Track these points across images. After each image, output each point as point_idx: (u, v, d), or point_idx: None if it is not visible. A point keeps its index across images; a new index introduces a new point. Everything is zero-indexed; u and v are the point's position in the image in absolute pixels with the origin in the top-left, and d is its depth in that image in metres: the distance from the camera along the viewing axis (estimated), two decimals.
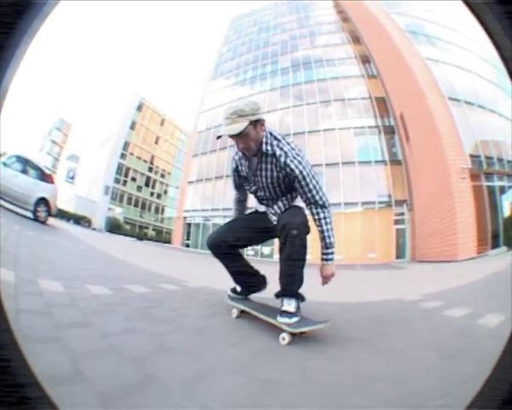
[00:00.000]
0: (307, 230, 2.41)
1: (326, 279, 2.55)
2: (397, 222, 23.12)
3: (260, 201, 2.75)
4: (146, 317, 2.44)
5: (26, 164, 11.38)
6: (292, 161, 2.33)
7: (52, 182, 12.32)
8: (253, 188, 2.66)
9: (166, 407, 1.21)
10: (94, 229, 38.05)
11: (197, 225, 33.92)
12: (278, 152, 2.37)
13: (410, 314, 3.39)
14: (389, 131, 25.74)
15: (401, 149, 24.34)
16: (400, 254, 22.02)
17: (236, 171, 2.78)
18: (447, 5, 22.26)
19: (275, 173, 2.44)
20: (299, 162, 2.34)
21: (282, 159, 2.35)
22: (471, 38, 19.90)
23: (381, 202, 23.93)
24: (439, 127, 17.48)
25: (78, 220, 38.90)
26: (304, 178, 2.33)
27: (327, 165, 24.77)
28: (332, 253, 2.51)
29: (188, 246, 33.36)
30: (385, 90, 26.48)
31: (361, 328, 2.68)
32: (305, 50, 35.43)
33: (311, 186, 2.35)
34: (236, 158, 2.72)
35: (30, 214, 10.75)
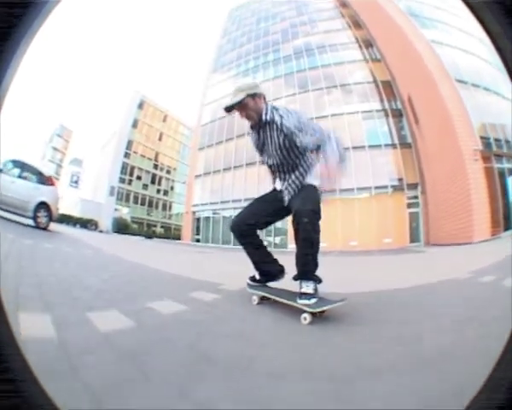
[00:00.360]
0: (318, 216, 2.47)
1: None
2: (409, 206, 22.94)
3: (274, 173, 2.86)
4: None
5: (22, 168, 10.56)
6: (287, 120, 2.50)
7: (52, 184, 11.35)
8: (265, 159, 2.81)
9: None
10: (101, 231, 37.40)
11: (207, 219, 33.33)
12: (276, 118, 2.54)
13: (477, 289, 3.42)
14: (397, 115, 25.55)
15: (410, 132, 24.11)
16: (414, 237, 21.78)
17: (255, 146, 2.88)
18: None
19: (277, 139, 2.59)
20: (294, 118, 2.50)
21: (279, 121, 2.52)
22: (468, 19, 19.30)
23: (393, 186, 23.65)
24: (450, 109, 17.31)
25: (85, 224, 38.55)
26: (288, 129, 2.51)
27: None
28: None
29: (198, 241, 32.73)
30: (390, 74, 26.34)
31: (450, 307, 2.67)
32: (306, 37, 34.91)
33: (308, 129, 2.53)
34: (250, 134, 2.82)
35: (31, 221, 10.06)
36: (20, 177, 10.22)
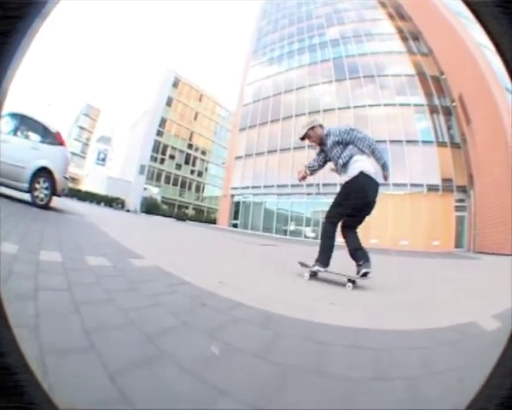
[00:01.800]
0: (328, 216, 3.93)
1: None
2: (456, 209, 22.30)
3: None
4: None
5: (21, 122, 7.50)
6: (332, 139, 3.80)
7: (60, 143, 7.95)
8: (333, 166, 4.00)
9: None
10: (128, 211, 35.69)
11: (247, 203, 31.62)
12: (328, 139, 3.83)
13: None
14: (446, 113, 24.78)
15: (459, 132, 23.40)
16: (459, 243, 21.23)
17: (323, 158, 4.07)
18: None
19: (334, 152, 3.81)
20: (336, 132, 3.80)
21: (329, 140, 3.81)
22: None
23: (443, 187, 22.84)
24: (503, 115, 17.00)
25: (110, 202, 37.41)
26: (336, 142, 3.79)
27: (391, 142, 23.66)
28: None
29: (235, 226, 31.33)
30: (438, 70, 25.71)
31: None
32: (352, 23, 33.75)
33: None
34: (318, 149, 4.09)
35: (28, 196, 7.27)
36: (15, 133, 7.29)
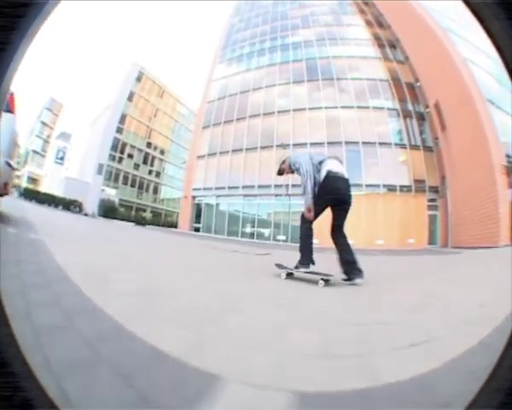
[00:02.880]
0: (302, 218, 4.28)
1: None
2: (429, 208, 23.36)
3: None
4: None
5: None
6: (293, 164, 4.37)
7: (9, 110, 4.75)
8: None
9: None
10: (86, 214, 33.77)
11: (209, 205, 29.84)
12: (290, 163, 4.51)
13: None
14: (419, 118, 25.61)
15: (432, 136, 24.44)
16: (432, 240, 22.34)
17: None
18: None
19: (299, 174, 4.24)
20: (293, 159, 4.42)
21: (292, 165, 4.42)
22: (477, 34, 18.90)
23: (416, 187, 23.54)
24: (484, 125, 18.08)
25: (68, 205, 35.28)
26: (294, 164, 4.35)
27: (364, 143, 24.54)
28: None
29: (197, 230, 29.39)
30: (414, 77, 26.73)
31: None
32: (328, 27, 33.39)
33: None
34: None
35: None
36: None
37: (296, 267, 4.00)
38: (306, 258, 3.98)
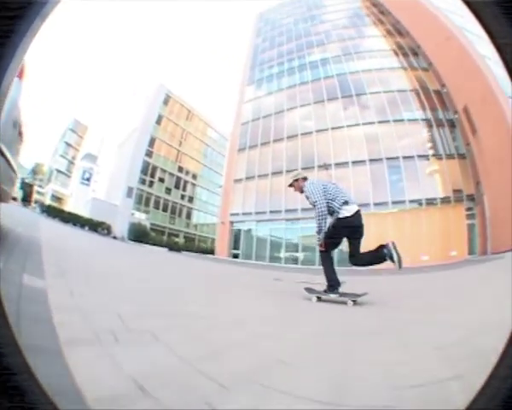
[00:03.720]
0: (321, 247, 4.51)
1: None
2: (467, 217, 22.26)
3: None
4: None
5: None
6: (306, 191, 4.49)
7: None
8: None
9: None
10: (115, 237, 32.55)
11: (249, 231, 28.83)
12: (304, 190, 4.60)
13: None
14: (450, 125, 24.71)
15: (464, 142, 23.39)
16: (471, 249, 20.93)
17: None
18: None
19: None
20: (307, 189, 4.47)
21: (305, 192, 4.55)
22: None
23: (454, 198, 22.75)
24: (509, 121, 17.62)
25: (95, 227, 33.86)
26: (307, 196, 4.44)
27: (404, 158, 23.99)
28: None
29: (235, 257, 28.11)
30: (440, 83, 25.83)
31: None
32: (352, 40, 33.17)
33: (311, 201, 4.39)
34: None
35: None
36: None
37: (325, 292, 4.31)
38: (333, 282, 4.28)
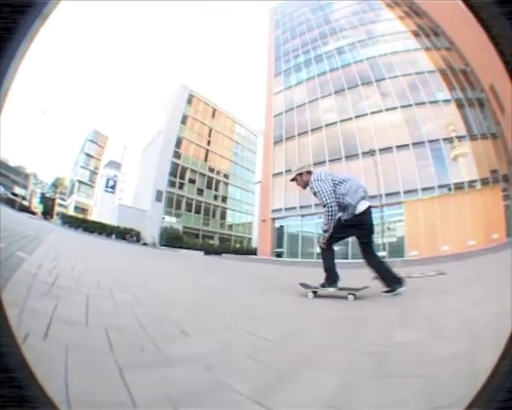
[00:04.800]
0: (323, 242, 4.22)
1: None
2: (504, 198, 21.39)
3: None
4: None
5: None
6: (313, 187, 4.14)
7: None
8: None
9: None
10: (145, 244, 31.66)
11: (293, 227, 27.39)
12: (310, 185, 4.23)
13: None
14: (480, 104, 23.45)
15: (494, 121, 22.08)
16: (509, 232, 19.89)
17: None
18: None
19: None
20: (314, 186, 4.12)
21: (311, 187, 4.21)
22: None
23: (492, 179, 21.74)
24: None
25: (123, 234, 32.89)
26: (315, 193, 4.10)
27: (444, 140, 23.05)
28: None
29: (279, 256, 26.69)
30: (463, 62, 24.40)
31: None
32: (374, 24, 32.10)
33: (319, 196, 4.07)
34: None
35: None
36: None
37: (323, 286, 4.09)
38: (333, 275, 4.09)
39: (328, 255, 4.15)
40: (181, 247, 31.47)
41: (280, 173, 28.79)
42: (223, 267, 10.88)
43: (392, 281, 3.83)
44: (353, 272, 6.14)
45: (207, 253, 29.10)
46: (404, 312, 2.90)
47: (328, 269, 4.09)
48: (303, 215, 25.90)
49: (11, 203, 29.02)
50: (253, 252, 32.90)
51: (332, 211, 3.86)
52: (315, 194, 4.06)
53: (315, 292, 4.01)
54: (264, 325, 2.43)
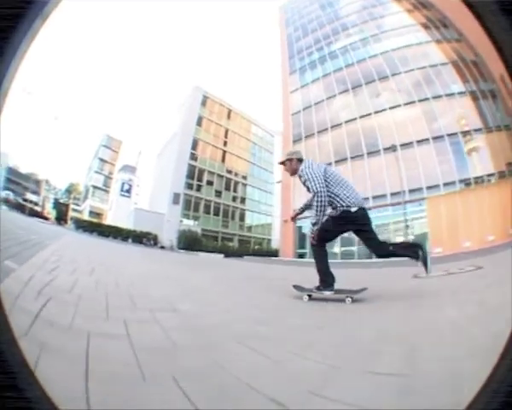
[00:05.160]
0: (314, 241, 3.91)
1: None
2: None
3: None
4: None
5: None
6: (301, 175, 3.97)
7: None
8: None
9: None
10: (162, 247, 31.17)
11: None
12: (301, 179, 4.02)
13: None
14: (493, 96, 22.95)
15: (506, 112, 21.63)
16: None
17: None
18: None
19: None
20: (305, 173, 3.89)
21: (301, 180, 4.00)
22: None
23: (508, 171, 21.11)
24: None
25: (139, 238, 32.39)
26: (305, 180, 3.88)
27: (461, 133, 22.67)
28: None
29: (301, 256, 25.89)
30: (473, 53, 23.82)
31: None
32: (383, 18, 31.92)
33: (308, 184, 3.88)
34: None
35: None
36: None
37: (319, 289, 3.80)
38: (328, 277, 3.80)
39: (320, 255, 3.89)
40: (200, 250, 30.89)
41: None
42: (260, 272, 10.03)
43: (415, 250, 3.67)
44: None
45: (227, 255, 28.54)
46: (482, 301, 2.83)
47: (321, 270, 3.84)
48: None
49: (21, 209, 29.29)
50: (274, 253, 32.46)
51: (322, 200, 3.66)
52: (305, 182, 3.89)
53: (310, 295, 3.77)
54: None
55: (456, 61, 24.92)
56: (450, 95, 24.05)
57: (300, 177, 3.94)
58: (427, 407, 1.06)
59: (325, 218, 3.82)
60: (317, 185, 3.68)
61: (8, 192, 34.50)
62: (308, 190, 3.88)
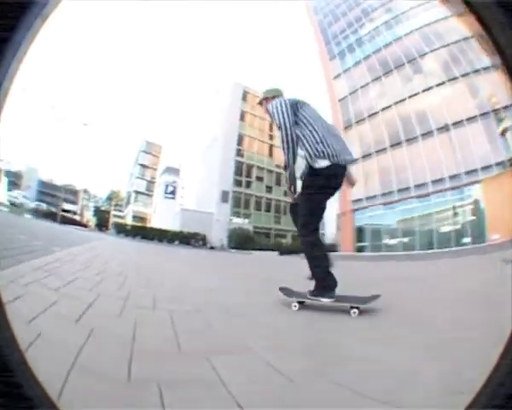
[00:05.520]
0: (305, 230, 3.03)
1: None
2: None
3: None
4: None
5: None
6: (268, 109, 3.29)
7: None
8: None
9: None
10: (212, 247, 31.13)
11: (376, 217, 26.34)
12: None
13: None
14: None
15: None
16: None
17: None
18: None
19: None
20: (271, 106, 3.19)
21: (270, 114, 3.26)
22: None
23: None
24: None
25: (187, 239, 32.25)
26: (271, 115, 3.19)
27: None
28: None
29: (360, 250, 25.71)
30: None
31: None
32: None
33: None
34: None
35: None
36: None
37: (314, 295, 2.87)
38: (323, 283, 2.87)
39: (312, 247, 2.98)
40: (252, 248, 30.44)
41: (355, 160, 27.08)
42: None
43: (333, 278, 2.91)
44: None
45: (282, 253, 27.84)
46: None
47: (317, 270, 2.94)
48: (385, 203, 25.00)
49: (53, 217, 30.38)
50: (331, 248, 31.01)
51: (286, 133, 2.96)
52: (272, 116, 3.15)
53: (302, 302, 2.90)
54: None
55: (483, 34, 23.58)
56: (487, 68, 21.99)
57: (267, 111, 3.29)
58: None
59: (302, 175, 3.26)
60: (281, 118, 3.01)
61: (38, 203, 36.32)
62: (276, 126, 3.20)
